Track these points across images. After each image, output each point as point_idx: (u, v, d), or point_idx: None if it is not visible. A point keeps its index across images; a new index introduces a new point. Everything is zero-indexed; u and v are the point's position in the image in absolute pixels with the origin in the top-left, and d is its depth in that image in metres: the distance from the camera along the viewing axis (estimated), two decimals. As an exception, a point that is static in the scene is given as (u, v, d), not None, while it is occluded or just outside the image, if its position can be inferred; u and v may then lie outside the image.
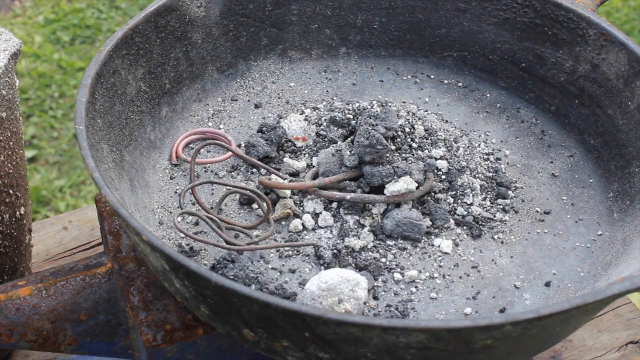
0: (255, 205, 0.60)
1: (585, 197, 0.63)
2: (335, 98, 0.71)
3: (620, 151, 0.63)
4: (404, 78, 0.74)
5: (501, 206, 0.62)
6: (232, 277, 0.52)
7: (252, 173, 0.63)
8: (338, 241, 0.57)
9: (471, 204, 0.61)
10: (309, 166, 0.63)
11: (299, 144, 0.65)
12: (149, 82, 0.64)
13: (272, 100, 0.70)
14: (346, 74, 0.73)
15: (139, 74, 0.62)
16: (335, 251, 0.56)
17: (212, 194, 0.61)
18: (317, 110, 0.68)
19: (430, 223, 0.59)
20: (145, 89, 0.63)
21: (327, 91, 0.71)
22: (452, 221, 0.60)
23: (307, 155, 0.64)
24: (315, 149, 0.64)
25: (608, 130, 0.64)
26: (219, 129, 0.67)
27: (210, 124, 0.67)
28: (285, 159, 0.63)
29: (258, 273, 0.53)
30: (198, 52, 0.68)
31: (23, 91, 2.01)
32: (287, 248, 0.57)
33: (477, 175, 0.63)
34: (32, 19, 2.28)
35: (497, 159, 0.66)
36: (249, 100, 0.70)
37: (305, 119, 0.66)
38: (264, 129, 0.65)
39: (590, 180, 0.64)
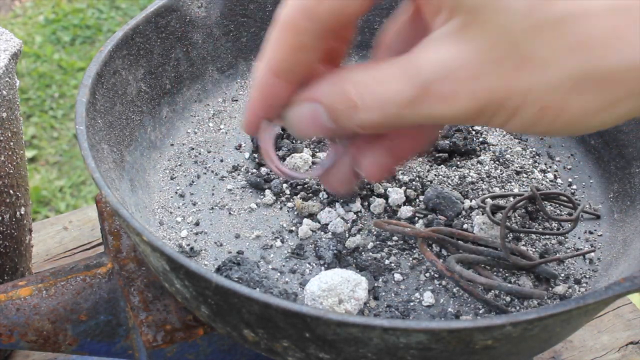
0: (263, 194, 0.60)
1: (586, 197, 0.63)
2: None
3: (620, 152, 0.63)
4: (405, 78, 0.74)
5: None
6: (236, 279, 0.52)
7: (252, 174, 0.63)
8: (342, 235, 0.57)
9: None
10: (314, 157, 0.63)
11: None
12: (150, 82, 0.64)
13: (273, 100, 0.70)
14: (346, 74, 0.73)
15: (140, 74, 0.62)
16: (336, 251, 0.56)
17: (213, 194, 0.61)
18: None
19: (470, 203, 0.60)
20: (146, 89, 0.63)
21: (327, 91, 0.71)
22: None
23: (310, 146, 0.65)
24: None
25: (608, 131, 0.64)
26: (220, 129, 0.67)
27: (210, 125, 0.67)
28: (288, 159, 0.63)
29: (263, 277, 0.53)
30: (198, 52, 0.68)
31: (23, 91, 2.01)
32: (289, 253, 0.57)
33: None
34: (32, 19, 2.28)
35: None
36: (249, 101, 0.70)
37: None
38: None
39: (591, 181, 0.64)
